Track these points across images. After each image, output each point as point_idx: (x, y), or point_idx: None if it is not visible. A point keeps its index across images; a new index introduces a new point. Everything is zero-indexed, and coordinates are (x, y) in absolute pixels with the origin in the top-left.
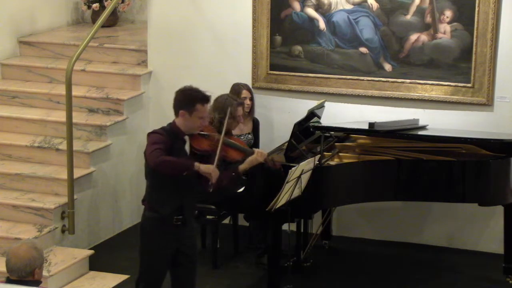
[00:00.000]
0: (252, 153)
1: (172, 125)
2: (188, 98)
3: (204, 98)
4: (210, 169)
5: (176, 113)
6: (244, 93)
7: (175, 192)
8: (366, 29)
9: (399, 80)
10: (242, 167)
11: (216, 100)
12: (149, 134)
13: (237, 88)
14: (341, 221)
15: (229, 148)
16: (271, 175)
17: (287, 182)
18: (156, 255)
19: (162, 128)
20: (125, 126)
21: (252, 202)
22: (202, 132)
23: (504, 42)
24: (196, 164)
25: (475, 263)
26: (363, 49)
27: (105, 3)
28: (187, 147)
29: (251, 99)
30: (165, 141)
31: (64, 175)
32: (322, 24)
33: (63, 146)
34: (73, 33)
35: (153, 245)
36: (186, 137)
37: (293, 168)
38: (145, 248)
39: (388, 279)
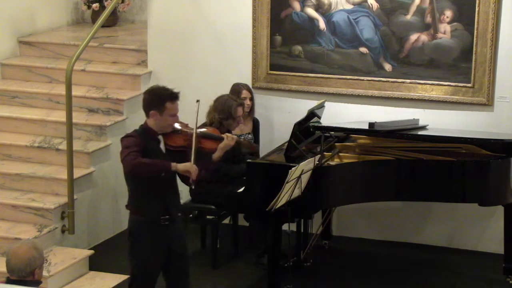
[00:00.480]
0: (220, 138)
1: (144, 126)
2: (157, 98)
3: (173, 96)
4: (187, 167)
5: (147, 114)
6: (244, 93)
7: (157, 193)
8: (366, 29)
9: (399, 80)
10: (215, 155)
11: (217, 100)
12: (122, 139)
13: (237, 88)
14: (341, 221)
15: (204, 139)
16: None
17: (287, 182)
18: (149, 258)
19: (135, 131)
20: (125, 126)
21: (252, 202)
22: (175, 129)
23: (504, 42)
24: (173, 164)
25: (475, 263)
26: (363, 49)
27: (105, 3)
28: (162, 146)
29: (251, 99)
30: (139, 143)
31: (64, 175)
32: (322, 24)
33: (63, 146)
34: (73, 33)
35: (145, 248)
36: (160, 136)
37: (293, 168)
38: (137, 252)
39: (388, 279)
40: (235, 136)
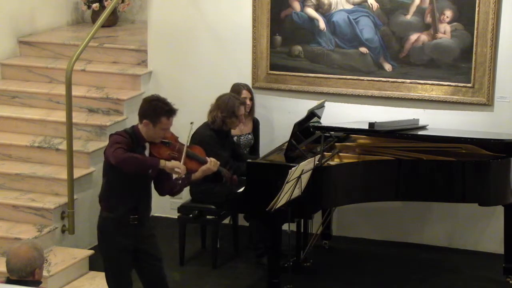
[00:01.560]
0: (203, 160)
1: (135, 129)
2: (154, 110)
3: (170, 112)
4: (176, 165)
5: (140, 120)
6: (244, 93)
7: (130, 192)
8: (366, 29)
9: (399, 80)
10: (196, 175)
11: (219, 99)
12: (111, 135)
13: (237, 88)
14: (341, 221)
15: (189, 159)
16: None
17: (287, 182)
18: (116, 254)
19: (125, 131)
20: (125, 126)
21: (252, 202)
22: (164, 140)
23: (504, 42)
24: (162, 161)
25: (475, 263)
26: (363, 49)
27: (105, 3)
28: (147, 153)
29: (251, 99)
30: (127, 143)
31: (64, 175)
32: (322, 24)
33: (63, 146)
34: (73, 33)
35: (111, 245)
36: (147, 144)
37: (293, 168)
38: (104, 248)
39: (388, 279)
40: (218, 162)
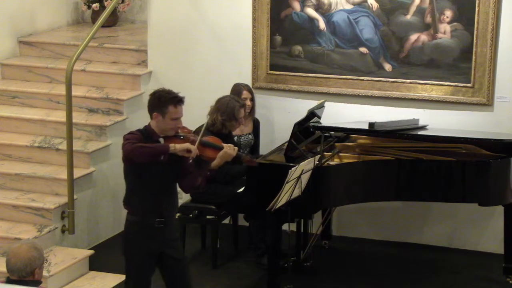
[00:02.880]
0: (221, 147)
1: (147, 127)
2: (160, 100)
3: (176, 100)
4: (186, 146)
5: (150, 115)
6: (245, 94)
7: (153, 195)
8: (366, 29)
9: (399, 80)
10: (214, 163)
11: (219, 101)
12: (125, 135)
13: (238, 89)
14: (341, 221)
15: (205, 147)
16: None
17: (287, 182)
18: (140, 258)
19: (138, 130)
20: (125, 126)
21: (252, 202)
22: (178, 134)
23: (504, 42)
24: (171, 145)
25: (475, 263)
26: (363, 49)
27: (105, 3)
28: None
29: (252, 99)
30: (140, 140)
31: (64, 175)
32: (322, 24)
33: (63, 146)
34: (73, 33)
35: (137, 248)
36: (161, 139)
37: (293, 168)
38: (129, 252)
39: (388, 279)
40: (236, 148)
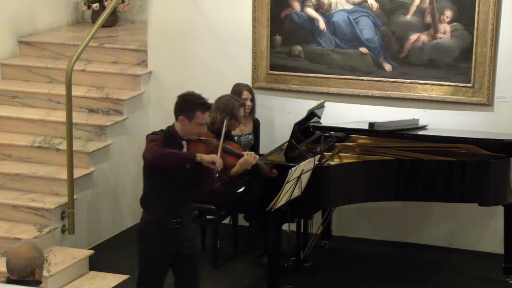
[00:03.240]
0: (241, 155)
1: (171, 128)
2: (189, 105)
3: (205, 106)
4: (213, 158)
5: (176, 118)
6: (245, 94)
7: (172, 196)
8: (366, 29)
9: (399, 80)
10: (234, 169)
11: (218, 100)
12: (148, 135)
13: (238, 89)
14: (341, 221)
15: (226, 154)
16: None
17: (287, 182)
18: (155, 258)
19: (161, 131)
20: (125, 126)
21: (252, 202)
22: (200, 138)
23: (504, 42)
24: (198, 154)
25: (475, 263)
26: (363, 49)
27: (105, 3)
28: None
29: (252, 99)
30: (164, 142)
31: (64, 175)
32: (322, 24)
33: (63, 146)
34: (73, 33)
35: (152, 248)
36: (184, 142)
37: (293, 168)
38: (144, 251)
39: (388, 279)
40: (257, 156)
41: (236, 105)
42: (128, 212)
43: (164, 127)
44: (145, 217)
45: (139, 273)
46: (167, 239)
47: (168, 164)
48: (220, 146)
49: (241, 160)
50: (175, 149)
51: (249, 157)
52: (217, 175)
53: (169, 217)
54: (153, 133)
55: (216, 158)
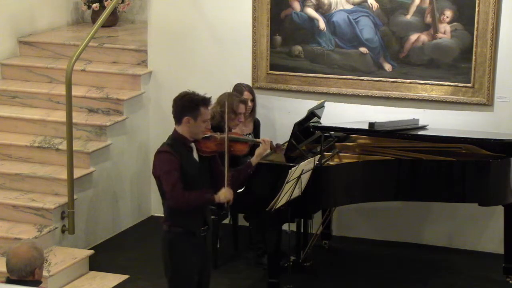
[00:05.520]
0: (254, 141)
1: (175, 135)
2: (191, 103)
3: (206, 100)
4: (228, 197)
5: (179, 121)
6: (246, 95)
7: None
8: (366, 29)
9: (399, 80)
10: (254, 160)
11: (219, 96)
12: (157, 155)
13: (239, 89)
14: (341, 221)
15: (234, 143)
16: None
17: (287, 182)
18: (190, 271)
19: (168, 145)
20: (125, 126)
21: (252, 202)
22: (205, 135)
23: (504, 42)
24: (216, 196)
25: (475, 263)
26: (363, 49)
27: (105, 3)
28: (195, 155)
29: (253, 100)
30: (177, 163)
31: (64, 175)
32: (322, 24)
33: (63, 146)
34: (73, 33)
35: (187, 261)
36: (192, 144)
37: (293, 168)
38: (178, 266)
39: (388, 279)
40: (270, 140)
41: (236, 100)
42: (128, 212)
43: (163, 127)
44: (173, 229)
45: (173, 283)
46: (200, 248)
47: (190, 208)
48: (226, 137)
49: (260, 151)
50: (186, 156)
51: (266, 145)
52: (227, 208)
53: (200, 225)
54: (162, 151)
55: (230, 195)
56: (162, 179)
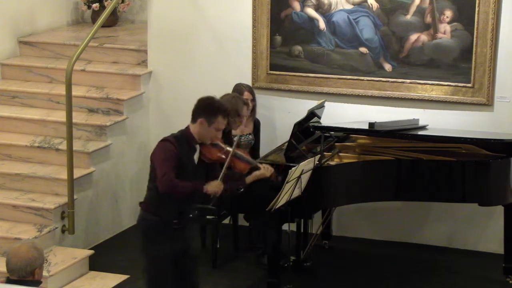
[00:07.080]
0: (256, 165)
1: (185, 131)
2: (211, 107)
3: (226, 112)
4: (215, 189)
5: (194, 120)
6: (246, 95)
7: (176, 198)
8: (366, 29)
9: (399, 80)
10: (248, 179)
11: (222, 98)
12: (161, 142)
13: (239, 89)
14: (341, 221)
15: (237, 160)
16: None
17: (287, 182)
18: (162, 259)
19: (174, 137)
20: (125, 126)
21: (252, 202)
22: (213, 142)
23: (504, 42)
24: (205, 187)
25: (475, 263)
26: (363, 49)
27: (105, 3)
28: (196, 156)
29: (253, 100)
30: (176, 154)
31: (64, 175)
32: (322, 24)
33: (63, 146)
34: (73, 33)
35: (158, 249)
36: (197, 146)
37: (293, 168)
38: (151, 253)
39: (388, 279)
40: (272, 169)
41: (240, 102)
42: (128, 212)
43: (163, 127)
44: (148, 217)
45: (148, 275)
46: (171, 239)
47: (177, 195)
48: (231, 151)
49: (258, 173)
50: (187, 154)
51: (265, 170)
52: (212, 202)
53: (172, 218)
54: (166, 140)
55: (219, 187)
56: (157, 165)
